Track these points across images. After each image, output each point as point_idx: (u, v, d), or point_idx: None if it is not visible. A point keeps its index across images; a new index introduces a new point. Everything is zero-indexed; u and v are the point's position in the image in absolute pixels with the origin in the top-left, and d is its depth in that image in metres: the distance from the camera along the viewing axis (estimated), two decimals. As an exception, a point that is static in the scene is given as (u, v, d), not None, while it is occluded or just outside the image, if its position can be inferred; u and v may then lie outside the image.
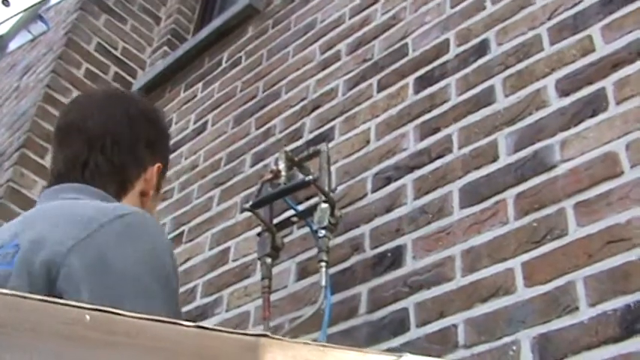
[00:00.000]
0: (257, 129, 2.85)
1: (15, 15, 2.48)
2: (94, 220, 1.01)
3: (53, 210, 1.10)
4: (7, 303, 0.52)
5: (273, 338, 0.57)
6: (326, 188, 2.00)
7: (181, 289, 2.60)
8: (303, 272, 2.15)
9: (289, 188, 1.99)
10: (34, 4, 2.61)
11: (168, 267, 1.05)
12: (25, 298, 0.52)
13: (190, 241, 2.74)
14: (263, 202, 2.03)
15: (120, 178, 1.20)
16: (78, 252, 0.96)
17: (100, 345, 0.55)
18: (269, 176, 2.11)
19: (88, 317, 0.55)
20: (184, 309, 2.48)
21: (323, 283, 1.87)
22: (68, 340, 0.54)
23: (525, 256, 1.62)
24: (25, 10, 2.54)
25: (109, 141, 1.20)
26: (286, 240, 2.29)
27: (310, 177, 1.88)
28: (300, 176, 2.16)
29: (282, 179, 2.07)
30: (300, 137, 2.59)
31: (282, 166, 2.10)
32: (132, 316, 0.57)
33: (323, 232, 1.92)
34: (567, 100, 1.76)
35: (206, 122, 3.21)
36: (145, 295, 0.98)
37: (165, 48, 4.08)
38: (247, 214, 2.31)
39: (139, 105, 1.32)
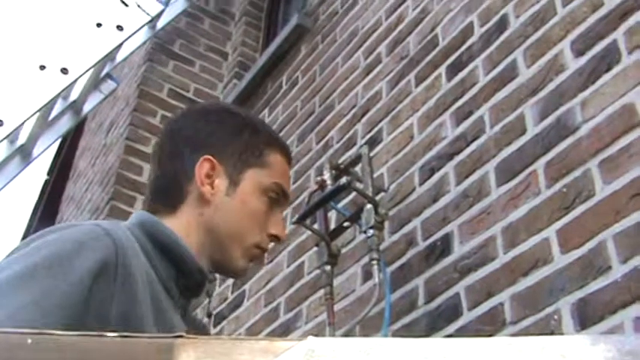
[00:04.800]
0: (317, 143, 2.93)
1: (74, 82, 2.67)
2: None
3: None
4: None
5: (189, 338, 0.64)
6: (370, 189, 2.04)
7: (266, 309, 2.70)
8: (367, 274, 2.20)
9: (328, 195, 2.04)
10: (92, 66, 2.80)
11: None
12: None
13: (271, 262, 2.83)
14: (308, 213, 2.10)
15: None
16: None
17: (40, 364, 0.63)
18: (314, 187, 2.18)
19: (29, 340, 0.64)
20: (269, 327, 2.57)
21: (376, 280, 1.91)
22: (12, 364, 0.63)
23: (559, 224, 1.60)
24: (82, 75, 2.73)
25: None
26: (350, 245, 2.35)
27: (345, 180, 1.93)
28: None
29: (329, 188, 2.12)
30: (355, 144, 2.64)
31: (327, 175, 2.16)
32: (64, 334, 0.65)
33: (371, 231, 1.97)
34: (583, 60, 1.73)
35: (274, 145, 3.30)
36: None
37: (235, 81, 4.23)
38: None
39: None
